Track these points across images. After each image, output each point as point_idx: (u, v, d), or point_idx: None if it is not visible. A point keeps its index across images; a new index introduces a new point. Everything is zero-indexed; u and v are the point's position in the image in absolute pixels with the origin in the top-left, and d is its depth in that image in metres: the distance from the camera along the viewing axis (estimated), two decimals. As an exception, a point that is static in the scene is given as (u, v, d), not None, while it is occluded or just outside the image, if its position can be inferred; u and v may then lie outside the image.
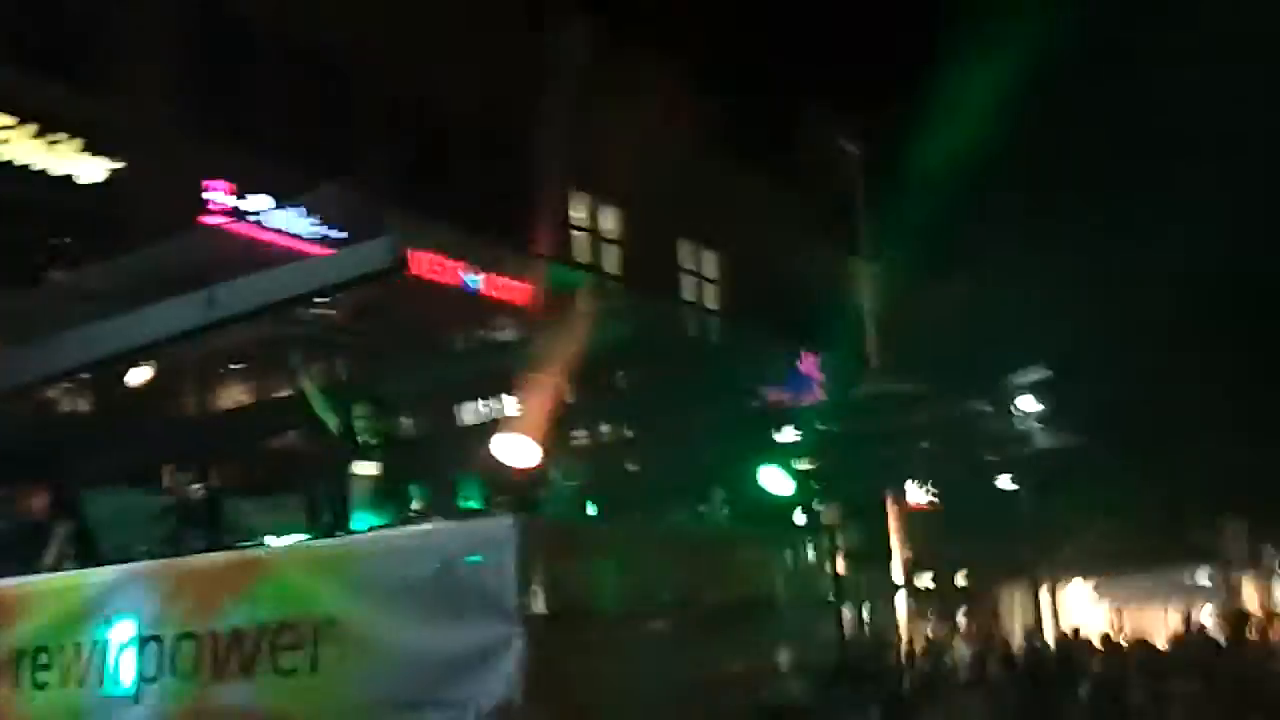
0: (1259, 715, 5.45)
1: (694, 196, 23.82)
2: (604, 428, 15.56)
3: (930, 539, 27.88)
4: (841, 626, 15.23)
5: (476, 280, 18.33)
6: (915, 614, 27.79)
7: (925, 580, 28.32)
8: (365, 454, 8.73)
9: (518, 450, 9.54)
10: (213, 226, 13.48)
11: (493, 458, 9.47)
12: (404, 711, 6.45)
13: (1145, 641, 13.55)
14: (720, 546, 8.62)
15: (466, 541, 6.66)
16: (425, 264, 16.84)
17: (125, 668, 7.18)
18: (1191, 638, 13.41)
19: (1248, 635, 16.31)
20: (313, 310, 10.81)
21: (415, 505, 8.59)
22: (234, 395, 13.10)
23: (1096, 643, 15.61)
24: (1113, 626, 23.77)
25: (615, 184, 22.86)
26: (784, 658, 8.36)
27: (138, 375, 9.60)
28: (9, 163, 13.81)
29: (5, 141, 13.77)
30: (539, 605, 6.41)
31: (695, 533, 9.37)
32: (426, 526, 7.21)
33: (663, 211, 23.47)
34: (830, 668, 8.93)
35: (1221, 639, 15.23)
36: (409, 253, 13.60)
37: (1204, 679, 5.78)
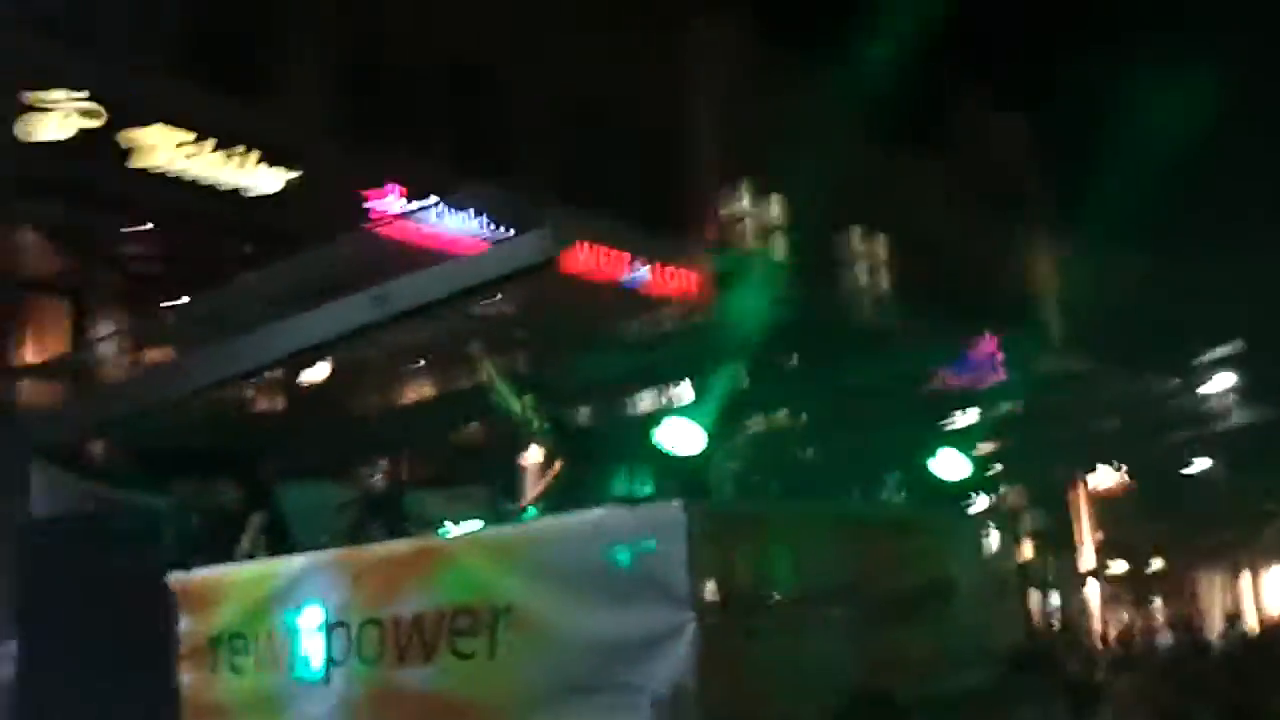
0: None
1: (861, 180, 23.49)
2: (775, 414, 15.44)
3: (1122, 522, 26.98)
4: (1025, 613, 14.91)
5: (641, 273, 18.40)
6: (1108, 601, 26.95)
7: (1118, 566, 27.42)
8: (541, 443, 8.87)
9: (686, 437, 9.54)
10: (380, 229, 13.85)
11: (663, 445, 9.49)
12: (579, 695, 6.54)
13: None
14: (897, 530, 8.47)
15: (638, 527, 6.69)
16: (589, 258, 16.99)
17: (314, 653, 7.44)
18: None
19: None
20: (485, 304, 11.00)
21: (589, 493, 8.66)
22: (417, 391, 13.43)
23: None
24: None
25: (780, 171, 22.71)
26: (966, 644, 8.17)
27: (317, 373, 9.91)
28: (190, 178, 14.42)
29: (189, 156, 14.38)
30: (711, 591, 6.41)
31: (871, 516, 9.23)
32: (599, 513, 7.24)
33: (829, 197, 23.19)
34: (1012, 655, 8.69)
35: None
36: (571, 246, 13.83)
37: None
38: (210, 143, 14.67)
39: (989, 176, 28.86)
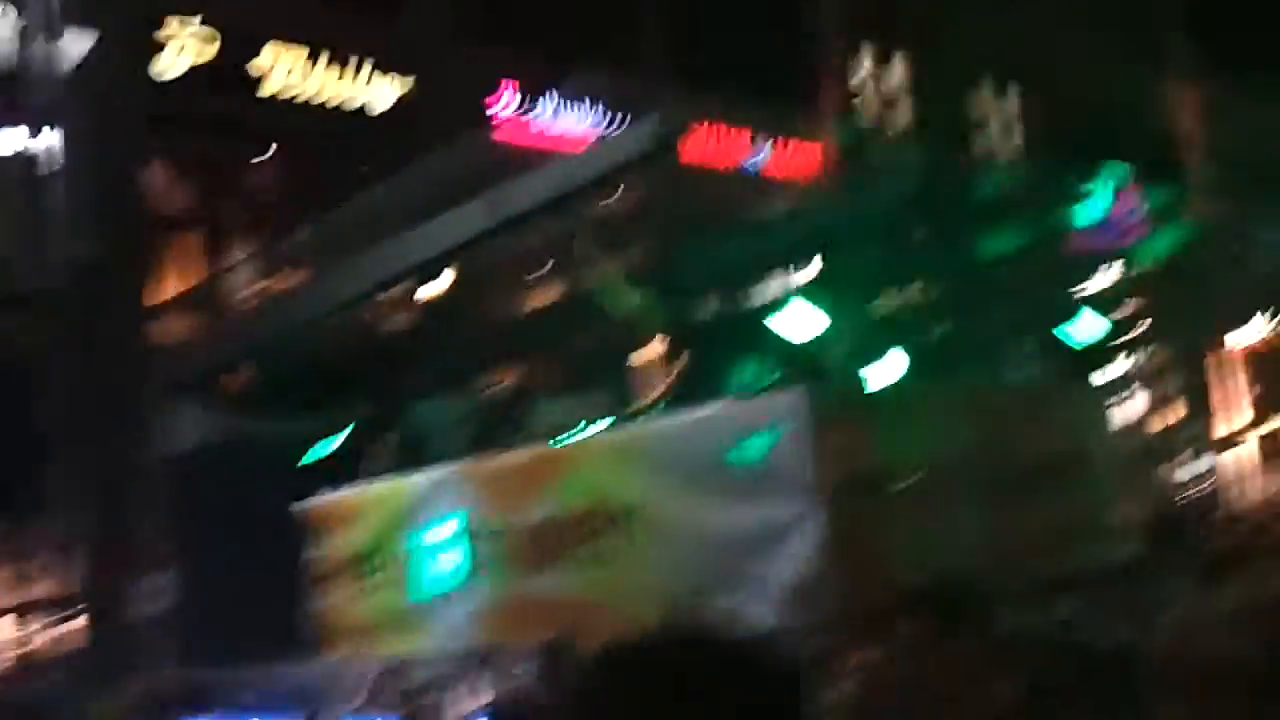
0: None
1: (990, 31, 22.60)
2: (905, 290, 15.13)
3: (1272, 384, 25.95)
4: (1164, 483, 14.55)
5: (762, 154, 18.11)
6: (1244, 464, 25.99)
7: (1253, 426, 26.40)
8: (662, 339, 8.85)
9: (805, 321, 9.40)
10: (497, 132, 13.83)
11: (784, 332, 9.38)
12: (709, 591, 6.55)
13: None
14: (1021, 405, 8.26)
15: (759, 417, 6.66)
16: (706, 142, 16.77)
17: (447, 565, 7.60)
18: None
19: None
20: (599, 201, 10.94)
21: (714, 386, 8.63)
22: (536, 296, 13.50)
23: None
24: None
25: (901, 31, 22.02)
26: (1099, 517, 7.97)
27: (437, 285, 9.99)
28: (311, 100, 14.54)
29: (306, 77, 14.48)
30: (835, 476, 6.36)
31: (992, 392, 9.03)
32: (719, 406, 7.21)
33: (955, 52, 22.43)
34: (1151, 526, 8.45)
35: None
36: (682, 133, 13.61)
37: None
38: (325, 57, 14.77)
39: (1128, 17, 27.52)
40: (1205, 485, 22.54)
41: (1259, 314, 23.54)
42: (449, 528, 7.63)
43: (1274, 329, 25.45)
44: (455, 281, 10.68)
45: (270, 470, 8.91)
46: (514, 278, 13.31)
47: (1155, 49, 28.25)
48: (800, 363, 8.28)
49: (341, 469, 8.80)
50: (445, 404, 10.01)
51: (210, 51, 14.03)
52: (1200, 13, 29.14)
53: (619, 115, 15.25)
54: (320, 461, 9.04)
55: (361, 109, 15.04)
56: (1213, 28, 28.85)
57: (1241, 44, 28.29)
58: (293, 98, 14.69)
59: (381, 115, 15.11)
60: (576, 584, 7.00)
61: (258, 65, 14.45)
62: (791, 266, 12.99)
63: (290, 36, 14.50)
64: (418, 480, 8.14)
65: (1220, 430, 25.83)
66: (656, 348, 8.78)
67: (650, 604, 6.77)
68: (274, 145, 14.92)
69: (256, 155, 15.08)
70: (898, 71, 22.65)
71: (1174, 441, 23.97)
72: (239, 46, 14.33)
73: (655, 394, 8.76)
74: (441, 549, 7.64)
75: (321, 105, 14.83)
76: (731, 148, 17.87)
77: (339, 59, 14.95)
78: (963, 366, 11.94)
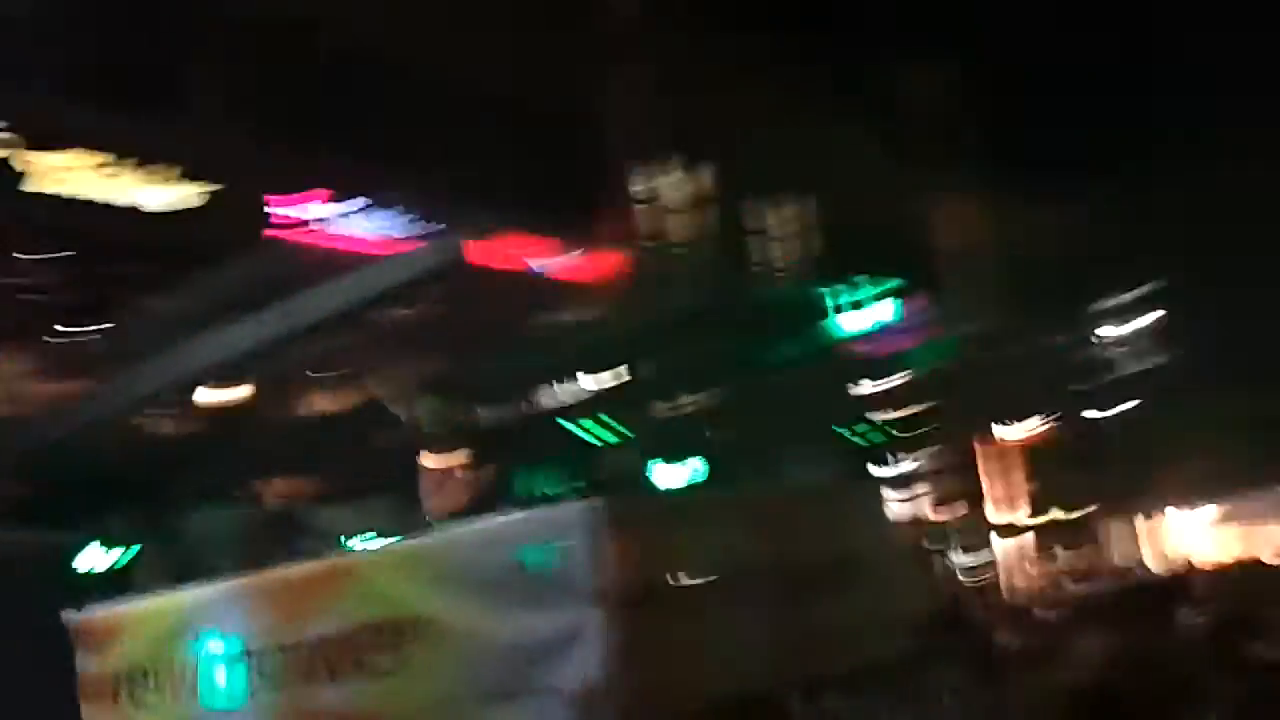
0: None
1: (772, 147, 23.46)
2: (693, 397, 15.48)
3: (1033, 474, 27.36)
4: (939, 575, 15.17)
5: (549, 264, 18.38)
6: (1018, 553, 27.30)
7: (1037, 518, 27.82)
8: (448, 447, 8.83)
9: (599, 428, 9.54)
10: (287, 239, 13.67)
11: (573, 441, 9.48)
12: (496, 702, 6.49)
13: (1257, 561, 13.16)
14: (809, 504, 8.49)
15: (543, 528, 6.68)
16: (493, 253, 16.91)
17: (224, 683, 7.32)
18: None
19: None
20: (389, 311, 10.91)
21: (504, 494, 8.65)
22: (320, 404, 13.28)
23: (1205, 569, 15.22)
24: (1228, 551, 23.16)
25: (690, 145, 22.67)
26: (880, 613, 8.23)
27: (221, 393, 9.76)
28: (98, 200, 14.12)
29: (88, 180, 14.08)
30: (624, 585, 6.41)
31: (781, 493, 9.28)
32: (506, 516, 7.21)
33: (740, 167, 23.20)
34: (928, 618, 8.77)
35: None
36: (478, 242, 13.67)
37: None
38: (122, 163, 14.38)
39: (900, 133, 28.96)
40: (984, 576, 23.52)
41: (1025, 415, 24.93)
42: (230, 642, 7.36)
43: (1046, 426, 26.94)
44: (241, 388, 10.47)
45: (40, 581, 8.45)
46: (303, 385, 13.11)
47: (931, 164, 29.84)
48: (592, 469, 8.36)
49: (116, 580, 8.42)
50: (226, 513, 9.72)
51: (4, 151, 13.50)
52: (970, 127, 30.95)
53: (414, 223, 15.30)
54: (94, 572, 8.63)
55: (152, 210, 14.66)
56: (987, 142, 30.64)
57: (1017, 158, 30.10)
58: (77, 197, 14.22)
59: (175, 216, 14.75)
60: (363, 699, 6.83)
61: (41, 164, 13.97)
62: (585, 374, 13.22)
63: (79, 138, 14.08)
64: (198, 592, 7.85)
65: (998, 521, 27.02)
66: (453, 456, 8.75)
67: (440, 716, 6.68)
68: (53, 245, 14.36)
69: (32, 254, 14.49)
70: (684, 184, 23.27)
71: (954, 534, 25.02)
72: (23, 145, 13.82)
73: (443, 503, 8.70)
74: (221, 664, 7.36)
75: (107, 206, 14.39)
76: (525, 256, 18.12)
77: (127, 159, 14.56)
78: (750, 470, 12.27)
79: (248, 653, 7.26)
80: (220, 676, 7.34)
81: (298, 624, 7.14)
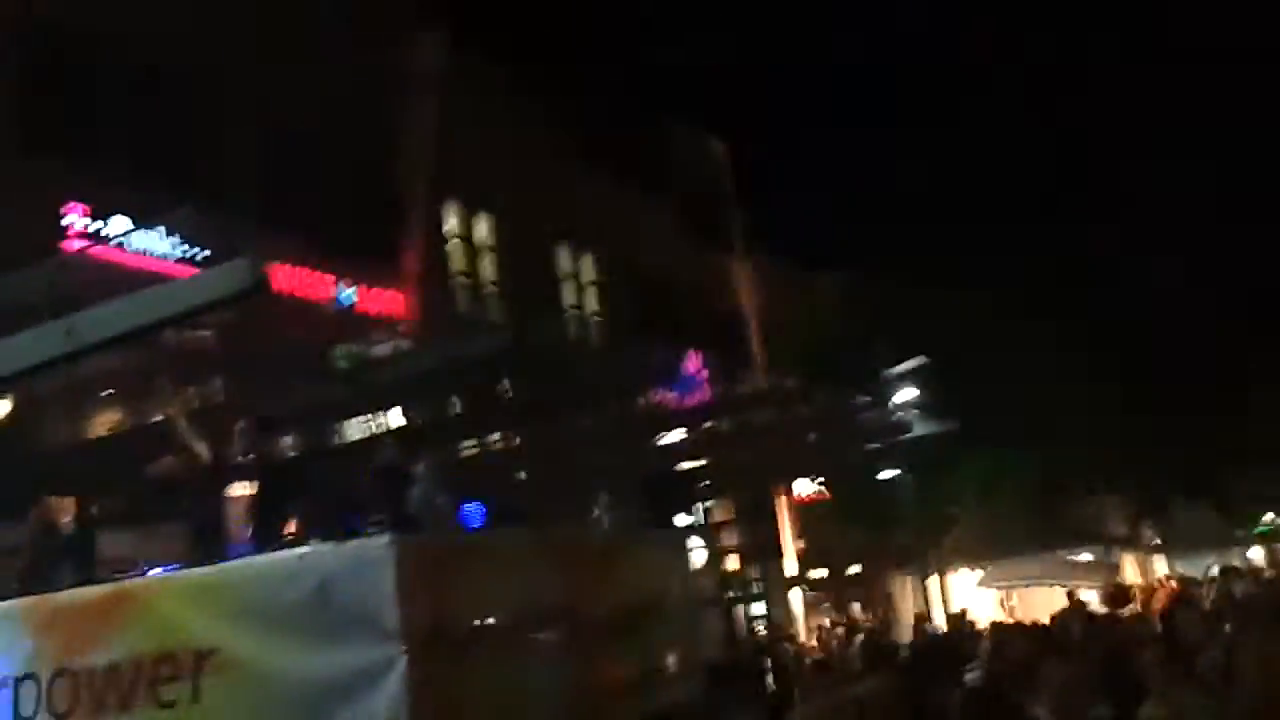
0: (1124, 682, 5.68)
1: (568, 201, 23.81)
2: (489, 438, 15.45)
3: (822, 531, 28.25)
4: (732, 623, 15.53)
5: (349, 294, 18.15)
6: (811, 606, 28.13)
7: (819, 572, 28.66)
8: (241, 477, 8.60)
9: (395, 467, 9.42)
10: (73, 253, 13.11)
11: (376, 476, 9.34)
12: (288, 740, 6.37)
13: (1033, 623, 13.89)
14: (604, 553, 8.63)
15: (343, 563, 6.61)
16: (293, 280, 16.62)
17: (3, 708, 6.96)
18: (1071, 614, 13.75)
19: (1125, 609, 16.88)
20: (184, 333, 10.59)
21: (292, 528, 8.46)
22: (106, 423, 12.75)
23: (984, 626, 15.94)
24: (1003, 608, 24.28)
25: (487, 191, 22.74)
26: (673, 660, 8.40)
27: (4, 406, 9.28)
28: None
29: None
30: (419, 624, 6.37)
31: (579, 539, 9.35)
32: (303, 550, 7.09)
33: (537, 216, 23.42)
34: (718, 666, 8.98)
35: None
36: (274, 269, 13.33)
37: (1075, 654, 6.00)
38: None
39: (696, 200, 29.77)
40: (767, 626, 24.10)
41: (807, 474, 25.73)
42: (3, 666, 7.00)
43: (819, 486, 27.83)
44: (16, 404, 9.99)
45: None
46: (83, 404, 12.58)
47: (717, 228, 30.71)
48: (391, 506, 8.26)
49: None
50: (5, 532, 9.22)
51: None
52: (758, 196, 32.13)
53: (200, 246, 14.86)
54: None
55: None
56: (769, 210, 31.86)
57: (794, 226, 31.30)
58: None
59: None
60: (145, 731, 6.60)
61: None
62: (378, 410, 13.04)
63: None
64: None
65: (793, 573, 27.72)
66: (251, 485, 8.51)
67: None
68: None
69: None
70: (482, 228, 23.35)
71: (751, 584, 25.61)
72: None
73: (233, 533, 8.45)
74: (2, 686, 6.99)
75: None
76: (319, 286, 17.84)
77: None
78: (548, 515, 12.30)
79: (28, 677, 6.91)
80: (3, 698, 6.97)
81: (82, 650, 6.86)
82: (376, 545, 6.63)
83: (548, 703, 7.01)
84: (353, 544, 6.88)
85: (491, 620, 7.03)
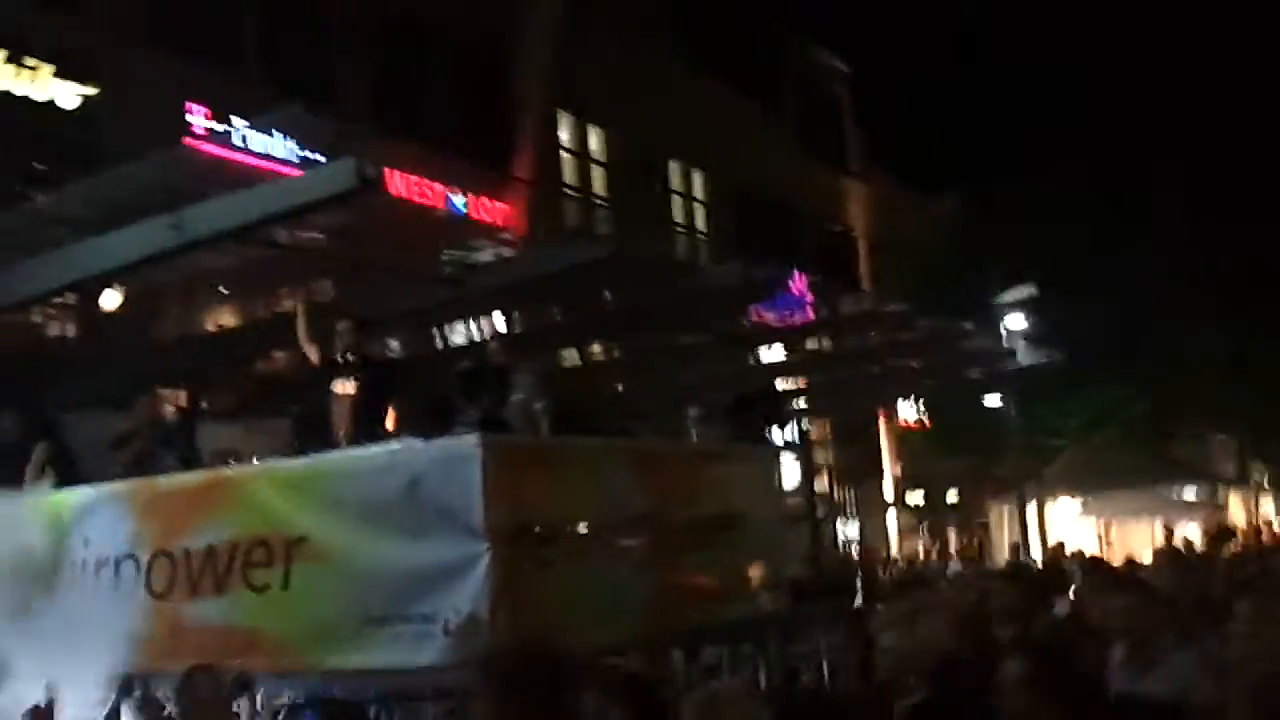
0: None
1: (681, 117, 23.66)
2: (589, 348, 15.59)
3: (922, 456, 28.09)
4: (821, 541, 15.54)
5: (462, 202, 18.32)
6: (907, 530, 28.09)
7: (917, 497, 28.56)
8: (346, 374, 8.79)
9: (491, 368, 9.57)
10: (189, 148, 13.35)
11: (470, 378, 9.49)
12: (374, 626, 6.57)
13: (1127, 560, 13.68)
14: (691, 463, 8.69)
15: (433, 459, 6.76)
16: (407, 185, 16.81)
17: (103, 586, 7.28)
18: (1166, 557, 13.49)
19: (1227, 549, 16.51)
20: (298, 233, 10.78)
21: (390, 426, 8.65)
22: (219, 318, 13.10)
23: (1080, 557, 15.73)
24: (1101, 541, 23.97)
25: (602, 105, 22.69)
26: (757, 572, 8.46)
27: (109, 299, 9.56)
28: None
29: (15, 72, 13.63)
30: (505, 522, 6.50)
31: (666, 448, 9.42)
32: (395, 445, 7.26)
33: (650, 132, 23.32)
34: (803, 581, 9.03)
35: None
36: (387, 173, 13.45)
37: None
38: (38, 60, 13.92)
39: (808, 116, 29.38)
40: (861, 546, 24.13)
41: (907, 398, 25.53)
42: (108, 546, 7.31)
43: (920, 411, 27.62)
44: (128, 296, 10.27)
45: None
46: (193, 298, 12.91)
47: (832, 148, 30.28)
48: (487, 409, 8.39)
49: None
50: (111, 421, 9.57)
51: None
52: (874, 116, 31.57)
53: (314, 150, 15.08)
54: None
55: (42, 106, 14.24)
56: (885, 131, 31.29)
57: (909, 148, 30.77)
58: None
59: (66, 115, 14.34)
60: (240, 612, 6.86)
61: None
62: (480, 315, 13.20)
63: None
64: (77, 495, 7.77)
65: (892, 497, 27.73)
66: (353, 383, 8.71)
67: (315, 636, 6.74)
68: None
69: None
70: (595, 141, 23.32)
71: (848, 505, 25.66)
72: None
73: (348, 428, 8.64)
74: (100, 567, 7.30)
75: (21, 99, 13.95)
76: (432, 194, 18.04)
77: (16, 54, 14.09)
78: (639, 425, 12.41)
79: (129, 556, 7.22)
80: (101, 579, 7.29)
81: (181, 533, 7.13)
82: (466, 443, 6.76)
83: (627, 606, 7.12)
84: (443, 441, 7.03)
85: (575, 523, 7.14)
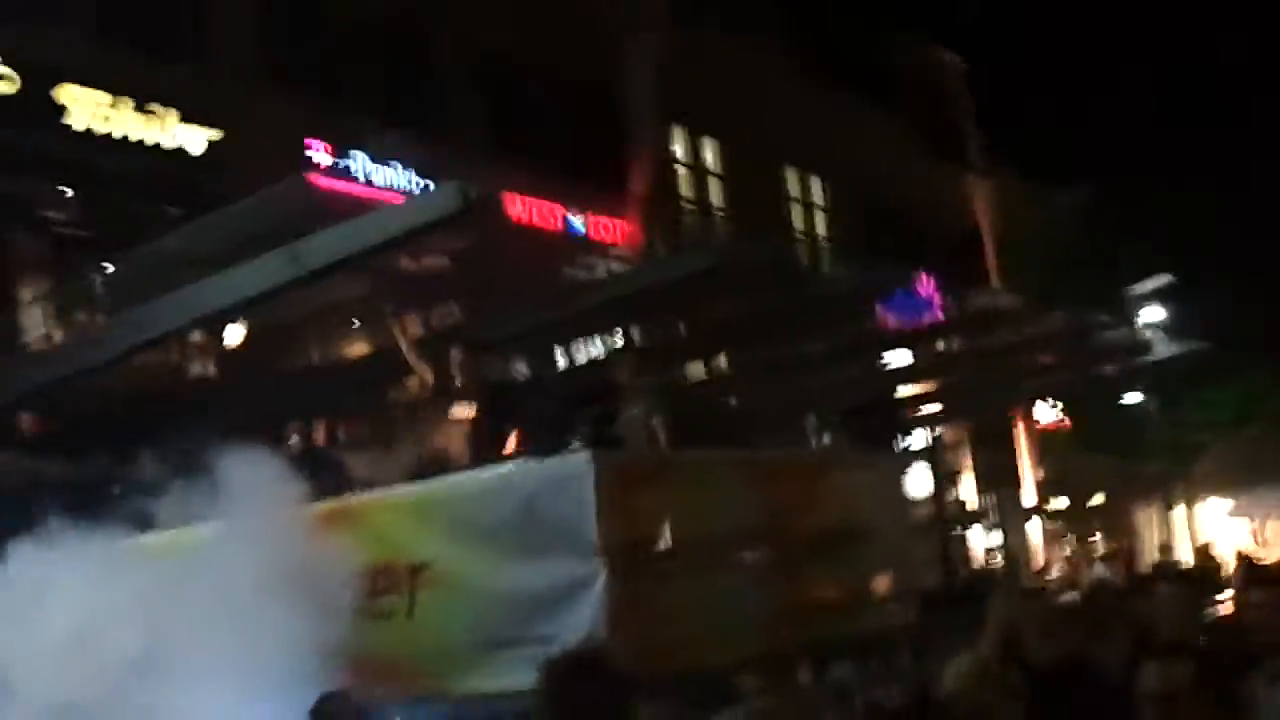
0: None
1: (796, 123, 23.46)
2: (709, 360, 15.50)
3: (1063, 459, 27.31)
4: (953, 551, 15.20)
5: (581, 221, 18.41)
6: (1052, 537, 27.28)
7: (1059, 501, 27.77)
8: (464, 398, 8.86)
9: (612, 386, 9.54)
10: (310, 183, 13.64)
11: (583, 396, 9.50)
12: (496, 649, 6.55)
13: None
14: (811, 474, 8.52)
15: (547, 478, 6.73)
16: (526, 208, 16.96)
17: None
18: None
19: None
20: (414, 260, 10.92)
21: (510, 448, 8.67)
22: (341, 350, 13.36)
23: (1232, 559, 15.14)
24: (1255, 540, 23.05)
25: (714, 116, 22.62)
26: (883, 584, 8.27)
27: (233, 334, 9.80)
28: (114, 136, 14.17)
29: (107, 119, 14.12)
30: (620, 538, 6.45)
31: (785, 459, 9.27)
32: (509, 466, 7.27)
33: (764, 140, 23.18)
34: (934, 593, 8.80)
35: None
36: (507, 197, 13.55)
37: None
38: (129, 103, 14.40)
39: (927, 114, 28.92)
40: (1004, 556, 23.55)
41: (1044, 398, 24.86)
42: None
43: (1059, 411, 26.86)
44: (255, 331, 10.51)
45: (59, 513, 8.51)
46: (317, 331, 13.19)
47: (952, 146, 29.74)
48: (605, 427, 8.39)
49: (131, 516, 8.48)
50: (244, 455, 9.75)
51: (8, 86, 13.53)
52: (994, 111, 30.97)
53: (432, 181, 15.33)
54: (112, 503, 8.68)
55: (168, 151, 14.71)
56: (1006, 126, 30.65)
57: (1032, 142, 30.07)
58: (94, 135, 14.26)
59: (190, 159, 14.79)
60: (366, 640, 6.90)
61: (59, 101, 14.00)
62: (595, 333, 13.23)
63: (92, 78, 14.09)
64: (203, 531, 7.92)
65: (1030, 503, 27.01)
66: (469, 407, 8.78)
67: (440, 661, 6.77)
68: (73, 182, 14.41)
69: (55, 191, 14.56)
70: (709, 153, 23.26)
71: (971, 512, 25.05)
72: (39, 81, 13.85)
73: (465, 452, 8.71)
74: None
75: (125, 143, 14.44)
76: (549, 215, 18.18)
77: (143, 102, 14.58)
78: (760, 435, 12.28)
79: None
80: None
81: (303, 563, 7.21)
82: (578, 460, 6.73)
83: (748, 621, 7.01)
84: (555, 460, 7.01)
85: (693, 537, 7.05)
